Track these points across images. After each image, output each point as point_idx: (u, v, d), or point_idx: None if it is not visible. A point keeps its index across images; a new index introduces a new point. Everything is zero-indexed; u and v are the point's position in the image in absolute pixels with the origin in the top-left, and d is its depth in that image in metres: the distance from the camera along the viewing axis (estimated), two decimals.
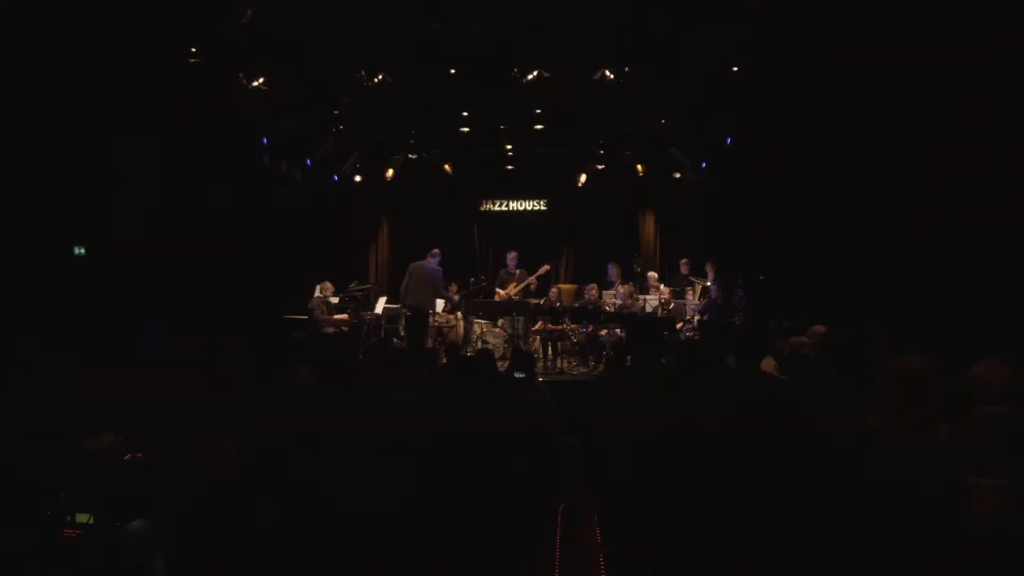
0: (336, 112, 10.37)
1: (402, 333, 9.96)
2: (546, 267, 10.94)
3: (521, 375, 5.79)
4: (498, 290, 10.42)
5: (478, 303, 10.19)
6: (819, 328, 5.11)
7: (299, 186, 11.07)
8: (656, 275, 11.12)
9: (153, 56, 7.27)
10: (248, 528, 2.61)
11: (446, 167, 12.24)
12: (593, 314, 9.48)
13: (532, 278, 10.42)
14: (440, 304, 10.31)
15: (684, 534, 2.65)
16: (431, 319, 10.01)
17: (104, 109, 7.39)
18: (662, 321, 9.44)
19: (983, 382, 3.05)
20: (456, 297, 10.17)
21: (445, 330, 10.22)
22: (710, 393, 3.88)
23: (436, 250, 9.73)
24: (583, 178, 12.31)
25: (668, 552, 2.68)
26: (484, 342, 10.21)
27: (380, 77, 8.75)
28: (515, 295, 10.20)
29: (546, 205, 13.25)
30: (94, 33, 6.65)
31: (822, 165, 7.54)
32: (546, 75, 8.58)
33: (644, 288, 10.61)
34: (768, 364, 4.87)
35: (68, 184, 7.31)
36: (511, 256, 10.67)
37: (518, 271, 10.53)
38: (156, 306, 7.91)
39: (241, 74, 8.33)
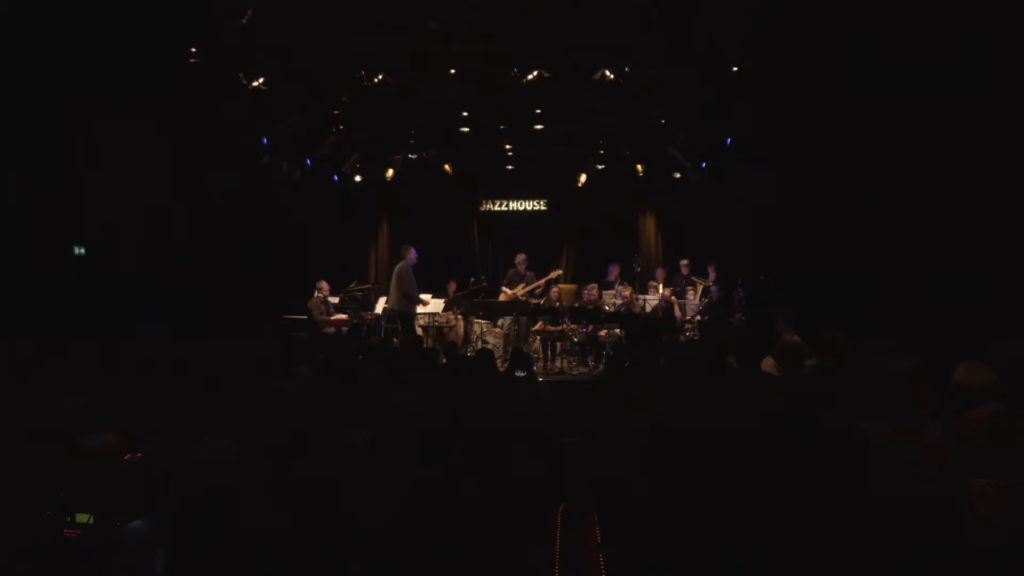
0: (336, 112, 10.37)
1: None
2: (559, 271, 10.94)
3: (522, 374, 5.80)
4: (505, 289, 10.40)
5: (478, 303, 10.18)
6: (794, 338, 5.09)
7: (299, 186, 11.07)
8: (663, 272, 11.14)
9: (153, 56, 7.27)
10: (248, 528, 2.61)
11: (446, 167, 12.24)
12: (593, 314, 9.48)
13: (542, 281, 10.40)
14: (440, 304, 10.29)
15: (684, 534, 2.65)
16: (419, 319, 9.96)
17: (104, 109, 7.39)
18: (662, 321, 9.44)
19: (965, 385, 3.06)
20: (423, 297, 9.90)
21: (445, 330, 10.21)
22: (709, 394, 3.88)
23: (409, 247, 9.60)
24: (583, 178, 12.32)
25: (668, 552, 2.68)
26: (484, 342, 10.21)
27: (380, 77, 8.75)
28: (522, 296, 10.19)
29: (546, 205, 13.26)
30: (95, 33, 6.65)
31: (822, 164, 7.54)
32: (546, 75, 8.58)
33: (644, 288, 10.62)
34: (768, 364, 4.87)
35: (68, 183, 7.32)
36: (520, 258, 10.63)
37: (528, 273, 10.51)
38: (156, 306, 7.91)
39: (241, 74, 8.33)
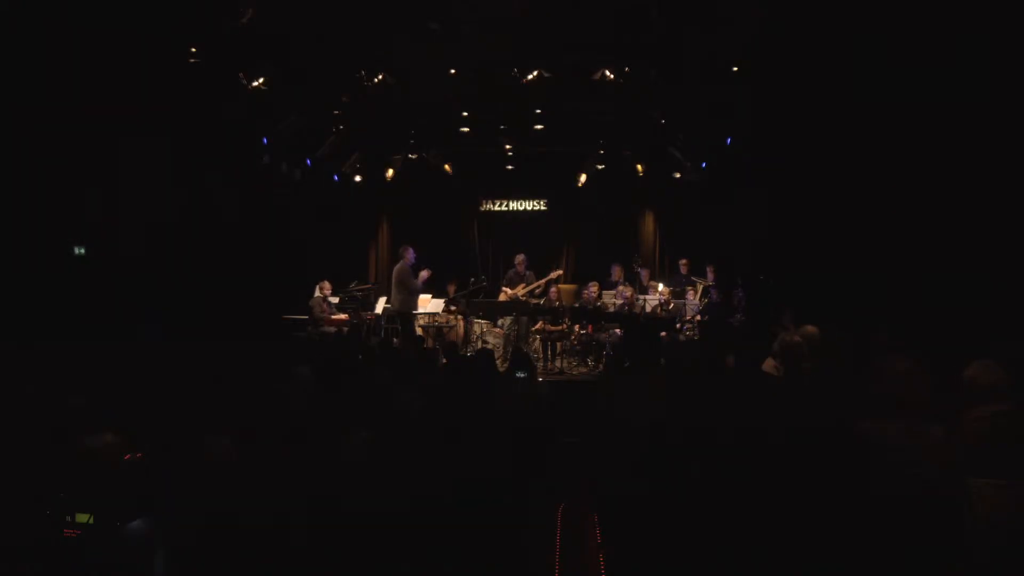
0: (336, 112, 10.37)
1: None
2: (559, 271, 10.93)
3: (523, 375, 5.80)
4: (505, 289, 10.40)
5: (478, 303, 10.18)
6: (811, 328, 5.09)
7: (299, 186, 11.07)
8: (648, 272, 11.11)
9: (153, 56, 7.27)
10: (247, 528, 2.61)
11: (446, 167, 12.24)
12: (593, 314, 9.48)
13: (542, 281, 10.40)
14: (439, 304, 10.29)
15: (683, 534, 2.65)
16: (419, 319, 9.98)
17: (105, 109, 7.39)
18: (662, 321, 9.44)
19: (976, 383, 3.06)
20: (422, 297, 9.98)
21: (445, 330, 10.21)
22: (709, 394, 3.89)
23: (407, 247, 9.70)
24: (583, 178, 12.31)
25: (668, 552, 2.68)
26: (484, 342, 10.21)
27: (380, 77, 8.75)
28: (522, 296, 10.19)
29: (546, 205, 13.25)
30: (95, 33, 6.65)
31: (823, 164, 7.54)
32: (546, 75, 8.58)
33: (643, 288, 10.61)
34: (768, 364, 4.86)
35: (69, 184, 7.32)
36: (520, 259, 10.63)
37: (527, 273, 10.51)
38: (156, 306, 7.90)
39: (241, 74, 8.33)
